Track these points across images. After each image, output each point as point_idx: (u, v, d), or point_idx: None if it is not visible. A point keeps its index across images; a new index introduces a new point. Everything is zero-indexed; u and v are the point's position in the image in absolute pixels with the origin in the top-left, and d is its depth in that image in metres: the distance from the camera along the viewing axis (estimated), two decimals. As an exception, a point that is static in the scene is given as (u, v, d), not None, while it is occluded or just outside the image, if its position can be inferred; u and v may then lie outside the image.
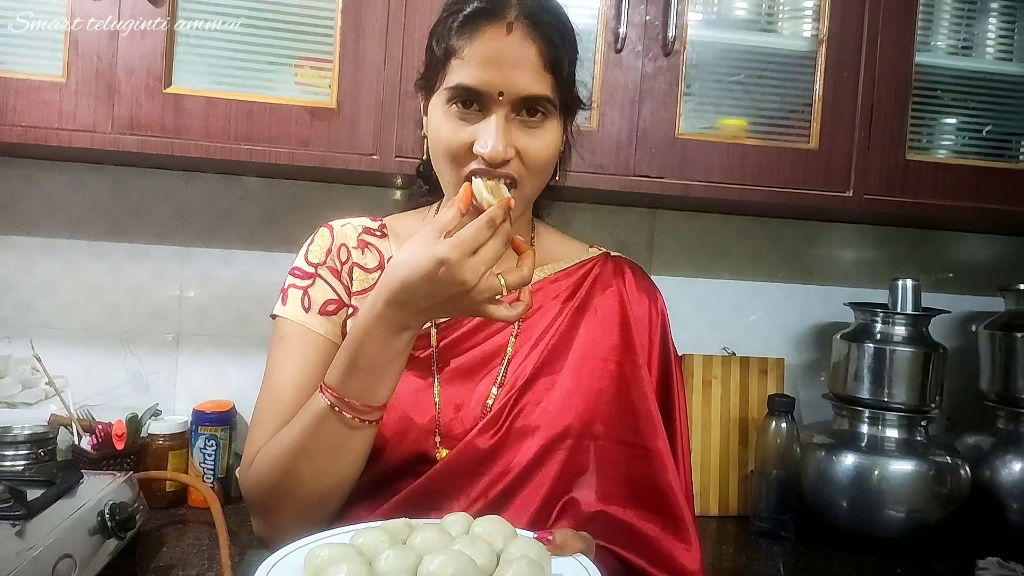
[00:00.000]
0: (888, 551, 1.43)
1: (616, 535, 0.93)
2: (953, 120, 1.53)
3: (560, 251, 1.08)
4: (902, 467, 1.44)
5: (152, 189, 1.58)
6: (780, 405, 1.52)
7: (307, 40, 1.31)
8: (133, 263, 1.58)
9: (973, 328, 1.76)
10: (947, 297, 1.80)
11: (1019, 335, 1.57)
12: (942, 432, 1.68)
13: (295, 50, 1.32)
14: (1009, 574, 1.30)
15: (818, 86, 1.42)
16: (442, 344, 0.98)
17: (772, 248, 1.80)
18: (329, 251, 1.01)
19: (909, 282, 1.54)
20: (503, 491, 0.92)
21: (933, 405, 1.52)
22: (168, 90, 1.26)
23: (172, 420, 1.49)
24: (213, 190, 1.60)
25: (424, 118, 0.97)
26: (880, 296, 1.64)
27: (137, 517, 1.14)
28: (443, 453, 0.93)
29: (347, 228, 1.04)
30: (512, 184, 0.89)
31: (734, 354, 1.70)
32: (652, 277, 1.10)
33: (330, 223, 1.05)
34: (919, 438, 1.50)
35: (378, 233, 1.05)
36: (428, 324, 0.96)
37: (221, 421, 1.49)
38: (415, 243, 0.80)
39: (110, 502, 1.08)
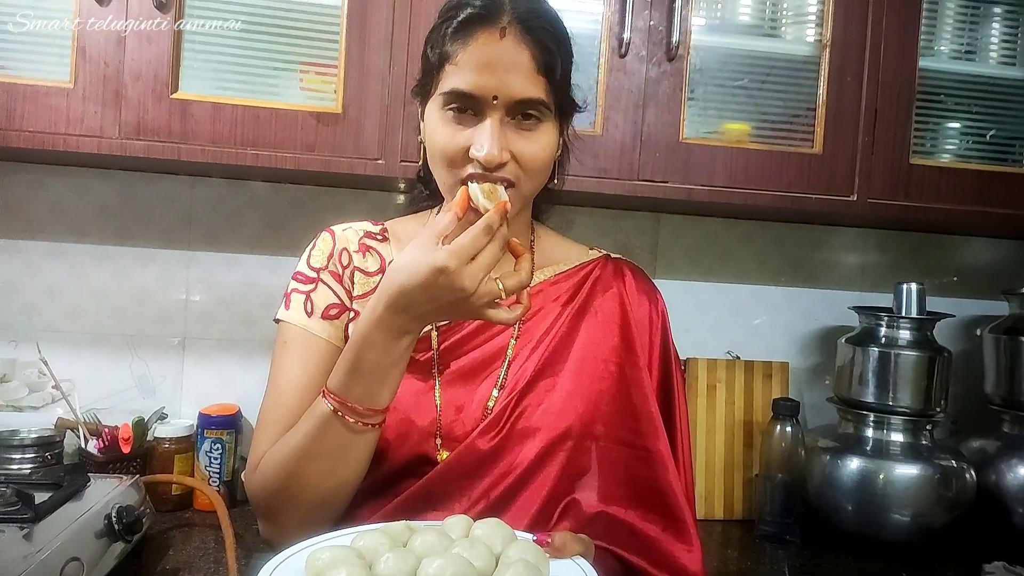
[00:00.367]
0: (893, 555, 1.42)
1: (617, 536, 0.94)
2: (957, 124, 1.53)
3: (560, 253, 1.08)
4: (907, 471, 1.44)
5: (158, 194, 1.59)
6: (785, 409, 1.52)
7: (313, 46, 1.32)
8: (139, 267, 1.59)
9: (978, 332, 1.76)
10: (951, 301, 1.79)
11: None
12: (947, 436, 1.67)
13: (301, 56, 1.33)
14: (1015, 579, 1.30)
15: (822, 90, 1.42)
16: (443, 347, 0.98)
17: (776, 252, 1.80)
18: (331, 256, 1.02)
19: (913, 286, 1.53)
20: (504, 492, 0.92)
21: (938, 409, 1.51)
22: (175, 95, 1.27)
23: (178, 423, 1.50)
24: (219, 195, 1.61)
25: (421, 124, 0.98)
26: (884, 300, 1.63)
27: (144, 520, 1.15)
28: (444, 455, 0.93)
29: (348, 232, 1.04)
30: (509, 185, 0.90)
31: (739, 358, 1.70)
32: (656, 281, 1.11)
33: (332, 228, 1.05)
34: (924, 442, 1.50)
35: (379, 237, 1.05)
36: (429, 327, 0.97)
37: (227, 424, 1.50)
38: (414, 248, 0.81)
39: (117, 505, 1.09)
